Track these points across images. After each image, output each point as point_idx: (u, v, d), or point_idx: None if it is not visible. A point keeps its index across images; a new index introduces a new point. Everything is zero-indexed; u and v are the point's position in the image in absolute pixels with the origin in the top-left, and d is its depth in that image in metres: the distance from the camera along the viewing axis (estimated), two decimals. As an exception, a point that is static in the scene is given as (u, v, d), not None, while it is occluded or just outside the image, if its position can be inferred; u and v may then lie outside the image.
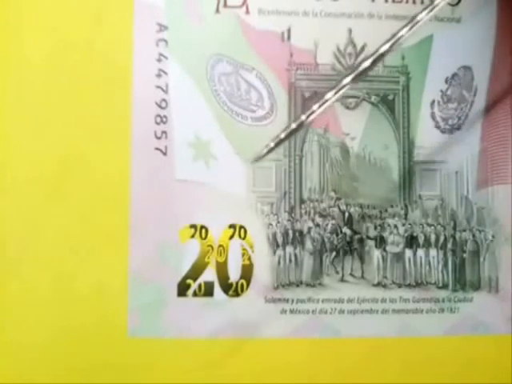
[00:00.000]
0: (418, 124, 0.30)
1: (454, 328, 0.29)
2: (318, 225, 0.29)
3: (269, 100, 0.29)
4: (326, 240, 0.29)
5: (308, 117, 0.22)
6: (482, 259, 0.29)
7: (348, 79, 0.23)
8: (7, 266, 0.27)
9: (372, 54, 0.23)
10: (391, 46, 0.23)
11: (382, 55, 0.23)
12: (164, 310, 0.28)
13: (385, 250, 0.29)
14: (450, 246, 0.29)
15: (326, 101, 0.23)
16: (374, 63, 0.23)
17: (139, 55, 0.28)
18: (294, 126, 0.22)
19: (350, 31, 0.29)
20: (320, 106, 0.23)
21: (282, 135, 0.22)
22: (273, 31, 0.29)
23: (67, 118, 0.28)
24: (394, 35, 0.23)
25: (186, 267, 0.28)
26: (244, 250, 0.28)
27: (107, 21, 0.28)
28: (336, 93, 0.23)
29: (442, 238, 0.29)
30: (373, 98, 0.30)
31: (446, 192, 0.30)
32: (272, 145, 0.22)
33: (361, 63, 0.23)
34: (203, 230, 0.28)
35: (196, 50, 0.29)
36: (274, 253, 0.29)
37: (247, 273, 0.28)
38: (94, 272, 0.27)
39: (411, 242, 0.29)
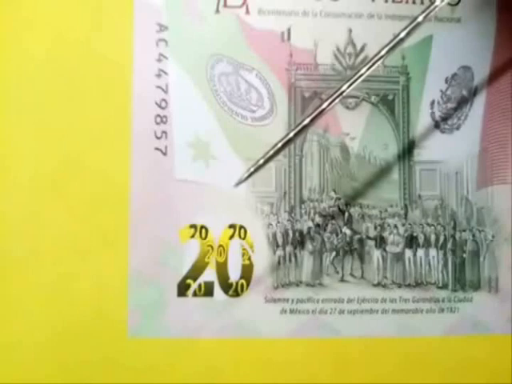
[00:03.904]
0: (417, 124, 0.30)
1: (454, 328, 0.29)
2: (317, 225, 0.29)
3: (269, 100, 0.29)
4: (325, 240, 0.29)
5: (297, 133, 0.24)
6: (481, 259, 0.29)
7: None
8: (8, 266, 0.27)
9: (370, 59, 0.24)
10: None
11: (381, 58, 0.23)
12: (164, 310, 0.28)
13: (385, 250, 0.29)
14: (449, 246, 0.29)
15: (323, 109, 0.23)
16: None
17: (139, 55, 0.28)
18: (270, 153, 0.23)
19: (350, 31, 0.29)
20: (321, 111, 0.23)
21: (279, 145, 0.24)
22: (273, 31, 0.29)
23: (67, 118, 0.28)
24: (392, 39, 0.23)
25: (186, 267, 0.28)
26: (244, 249, 0.29)
27: (107, 21, 0.28)
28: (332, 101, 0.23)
29: (441, 238, 0.29)
30: (373, 98, 0.30)
31: (446, 192, 0.30)
32: (252, 170, 0.23)
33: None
34: (203, 230, 0.28)
35: (196, 50, 0.29)
36: (274, 253, 0.29)
37: (247, 273, 0.28)
38: (94, 272, 0.27)
39: (411, 241, 0.29)
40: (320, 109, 0.23)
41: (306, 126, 0.23)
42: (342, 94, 0.23)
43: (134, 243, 0.28)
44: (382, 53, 0.23)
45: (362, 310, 0.29)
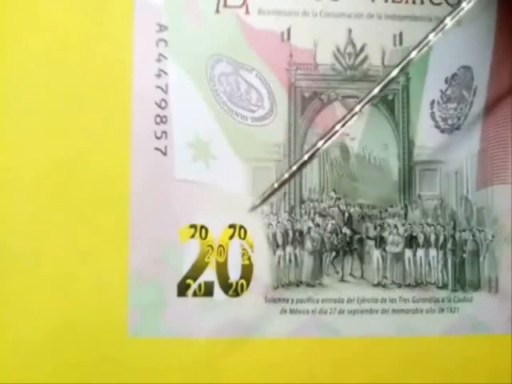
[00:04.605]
0: (417, 124, 0.30)
1: (454, 328, 0.29)
2: (317, 225, 0.29)
3: (268, 100, 0.29)
4: (325, 240, 0.29)
5: (311, 156, 0.23)
6: (481, 259, 0.29)
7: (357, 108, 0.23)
8: (8, 266, 0.27)
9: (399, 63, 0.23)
10: (419, 52, 0.23)
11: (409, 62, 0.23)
12: (164, 310, 0.28)
13: (385, 250, 0.29)
14: (449, 246, 0.29)
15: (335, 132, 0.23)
16: (401, 71, 0.23)
17: (139, 55, 0.28)
18: (294, 167, 0.23)
19: (350, 31, 0.29)
20: (326, 141, 0.23)
21: (286, 175, 0.23)
22: (272, 31, 0.29)
23: (67, 118, 0.28)
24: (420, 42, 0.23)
25: (186, 267, 0.28)
26: (244, 249, 0.29)
27: (107, 21, 0.28)
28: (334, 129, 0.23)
29: (441, 238, 0.29)
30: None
31: (446, 192, 0.30)
32: (276, 185, 0.23)
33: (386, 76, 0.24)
34: (203, 230, 0.28)
35: (196, 50, 0.29)
36: (274, 253, 0.29)
37: (247, 273, 0.28)
38: (94, 272, 0.27)
39: (411, 241, 0.29)
40: (353, 112, 0.23)
41: (336, 132, 0.23)
42: (373, 97, 0.23)
43: (134, 243, 0.28)
44: (412, 55, 0.23)
45: (361, 310, 0.29)
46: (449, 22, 0.23)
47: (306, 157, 0.23)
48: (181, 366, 0.28)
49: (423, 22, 0.29)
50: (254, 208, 0.24)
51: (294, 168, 0.23)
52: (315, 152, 0.23)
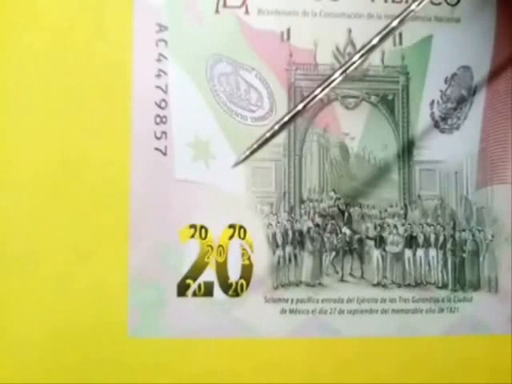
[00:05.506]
0: (417, 124, 0.30)
1: (454, 328, 0.29)
2: (317, 225, 0.29)
3: (268, 100, 0.29)
4: (325, 240, 0.29)
5: (292, 117, 0.23)
6: (481, 259, 0.29)
7: (337, 74, 0.23)
8: (8, 266, 0.27)
9: (361, 48, 0.23)
10: (381, 39, 0.23)
11: (374, 47, 0.23)
12: (164, 310, 0.28)
13: (384, 249, 0.29)
14: (449, 245, 0.29)
15: (313, 98, 0.23)
16: (362, 56, 0.23)
17: (139, 55, 0.28)
18: (276, 127, 0.23)
19: (350, 31, 0.30)
20: (305, 105, 0.23)
21: (268, 134, 0.23)
22: (272, 31, 0.29)
23: (67, 118, 0.28)
24: (385, 28, 0.23)
25: (185, 267, 0.28)
26: (244, 249, 0.29)
27: (107, 21, 0.28)
28: (323, 89, 0.23)
29: (441, 238, 0.29)
30: (372, 98, 0.30)
31: (446, 192, 0.30)
32: (255, 146, 0.23)
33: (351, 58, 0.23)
34: (203, 230, 0.28)
35: (196, 50, 0.29)
36: (274, 253, 0.29)
37: (247, 273, 0.28)
38: (93, 272, 0.27)
39: (411, 241, 0.29)
40: (313, 95, 0.23)
41: (300, 111, 0.23)
42: (334, 81, 0.23)
43: (134, 243, 0.28)
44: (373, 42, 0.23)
45: (361, 309, 0.29)
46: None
47: (286, 118, 0.23)
48: (181, 366, 0.28)
49: (423, 22, 0.30)
50: (237, 164, 0.24)
51: (276, 127, 0.23)
52: (296, 114, 0.23)
